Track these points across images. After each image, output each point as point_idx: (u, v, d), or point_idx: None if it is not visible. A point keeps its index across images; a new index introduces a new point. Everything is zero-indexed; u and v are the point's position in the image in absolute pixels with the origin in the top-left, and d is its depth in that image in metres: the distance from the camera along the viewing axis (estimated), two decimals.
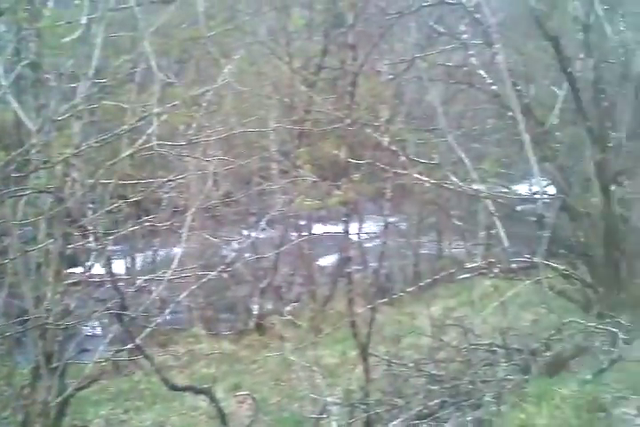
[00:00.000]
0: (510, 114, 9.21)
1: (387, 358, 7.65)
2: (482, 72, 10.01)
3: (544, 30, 9.13)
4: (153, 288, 8.18)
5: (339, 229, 12.07)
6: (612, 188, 8.79)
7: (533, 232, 8.67)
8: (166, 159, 12.02)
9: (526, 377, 6.29)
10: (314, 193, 10.55)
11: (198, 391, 7.80)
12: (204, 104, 8.15)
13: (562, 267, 8.79)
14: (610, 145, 8.97)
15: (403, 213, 16.93)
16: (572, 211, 9.13)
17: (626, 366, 6.00)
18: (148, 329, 7.03)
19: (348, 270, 9.39)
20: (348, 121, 9.42)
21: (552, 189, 9.83)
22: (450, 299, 12.75)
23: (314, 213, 14.85)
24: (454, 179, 9.41)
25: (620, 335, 6.17)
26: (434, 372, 7.25)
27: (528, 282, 7.82)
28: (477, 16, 9.60)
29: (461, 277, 8.93)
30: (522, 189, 10.97)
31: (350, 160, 9.16)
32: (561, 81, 9.67)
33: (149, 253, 15.57)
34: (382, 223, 12.22)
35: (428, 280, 9.22)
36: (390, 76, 11.85)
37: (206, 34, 11.54)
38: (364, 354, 7.68)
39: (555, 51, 9.14)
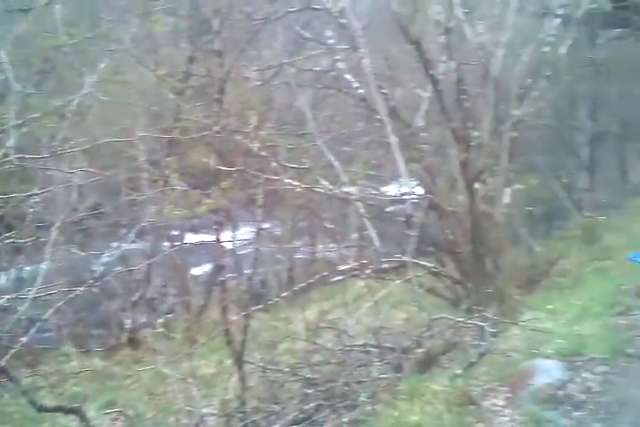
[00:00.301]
0: (378, 117, 9.33)
1: (262, 364, 7.55)
2: (349, 76, 10.11)
3: (407, 34, 9.29)
4: (18, 307, 7.78)
5: (212, 237, 11.88)
6: (476, 186, 9.02)
7: (403, 232, 8.77)
8: (31, 172, 11.53)
9: (399, 375, 6.33)
10: (184, 202, 10.34)
11: (68, 411, 7.44)
12: (68, 115, 7.83)
13: (431, 265, 8.96)
14: (472, 144, 9.20)
15: (276, 218, 16.87)
16: (440, 210, 9.32)
17: (494, 359, 6.13)
18: (13, 350, 6.65)
19: (222, 279, 9.23)
20: (217, 128, 9.32)
21: (420, 190, 9.99)
22: (324, 302, 12.77)
23: (186, 222, 14.61)
24: (325, 182, 9.43)
25: (488, 329, 6.30)
26: (309, 376, 7.22)
27: (399, 281, 7.89)
28: (343, 21, 9.69)
29: (335, 279, 8.94)
30: (391, 190, 11.11)
31: (220, 167, 9.02)
32: (425, 83, 9.85)
33: (14, 270, 14.89)
34: (255, 230, 12.12)
35: (302, 284, 9.18)
36: (258, 83, 11.79)
37: (68, 42, 11.14)
38: (239, 362, 7.55)
39: (418, 54, 9.29)
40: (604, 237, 10.67)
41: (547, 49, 9.96)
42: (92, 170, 9.53)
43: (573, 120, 15.46)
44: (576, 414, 4.95)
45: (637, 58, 15.47)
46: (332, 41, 10.35)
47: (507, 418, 5.02)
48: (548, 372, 5.40)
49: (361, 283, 8.99)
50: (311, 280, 9.07)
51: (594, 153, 13.87)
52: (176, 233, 15.50)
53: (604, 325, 6.44)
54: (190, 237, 16.19)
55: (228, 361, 8.85)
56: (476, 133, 9.36)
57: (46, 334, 13.29)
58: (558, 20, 10.27)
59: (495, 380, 5.62)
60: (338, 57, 10.20)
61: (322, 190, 9.41)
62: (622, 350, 5.86)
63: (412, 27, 9.41)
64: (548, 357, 5.77)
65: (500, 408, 5.18)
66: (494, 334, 6.47)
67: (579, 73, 13.88)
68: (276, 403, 7.03)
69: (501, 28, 9.93)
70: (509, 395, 5.33)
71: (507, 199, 9.57)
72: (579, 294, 7.87)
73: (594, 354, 5.78)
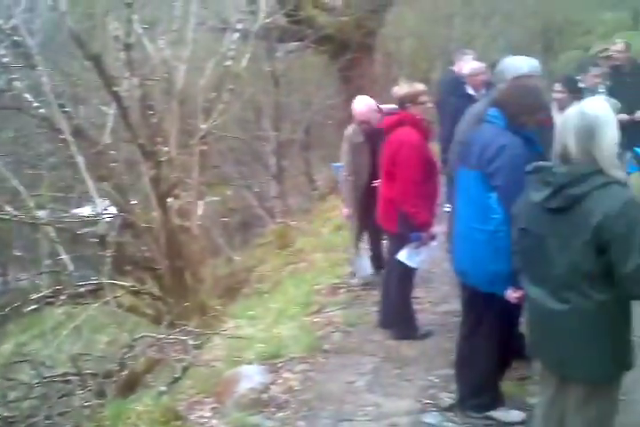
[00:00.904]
0: (62, 136, 9.01)
1: None
2: (27, 96, 9.65)
3: (85, 50, 9.05)
4: None
5: None
6: (169, 200, 9.00)
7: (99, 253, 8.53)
8: None
9: (102, 401, 6.13)
10: None
11: None
12: None
13: (128, 284, 8.80)
14: (162, 160, 9.16)
15: None
16: (134, 227, 9.20)
17: (199, 371, 6.15)
18: None
19: None
20: None
21: (114, 209, 9.78)
22: (21, 334, 12.01)
23: None
24: (9, 208, 8.92)
25: (190, 342, 6.31)
26: (6, 414, 6.74)
27: (96, 304, 7.65)
28: (17, 39, 9.25)
29: (29, 309, 8.42)
30: (85, 211, 10.75)
31: None
32: (110, 100, 9.66)
33: None
34: None
35: None
36: None
37: None
38: None
39: (98, 71, 9.09)
40: (297, 240, 11.13)
41: (228, 63, 10.22)
42: None
43: (259, 130, 16.04)
44: (280, 414, 5.14)
45: (315, 69, 16.44)
46: (6, 59, 9.80)
47: None
48: (251, 377, 5.54)
49: (59, 310, 8.58)
50: (3, 313, 8.47)
51: (281, 161, 14.44)
52: None
53: (301, 325, 6.76)
54: None
55: None
56: (165, 149, 9.34)
57: None
58: (237, 35, 10.57)
59: (201, 392, 5.66)
60: (15, 76, 9.68)
61: (7, 217, 8.87)
62: (319, 347, 6.20)
63: (91, 43, 9.20)
64: (250, 362, 5.92)
65: (206, 420, 5.22)
66: (197, 347, 6.50)
67: (260, 85, 14.41)
68: None
69: (183, 43, 10.03)
70: (216, 405, 5.39)
71: (201, 212, 9.66)
72: (277, 298, 8.15)
73: (293, 354, 6.04)
